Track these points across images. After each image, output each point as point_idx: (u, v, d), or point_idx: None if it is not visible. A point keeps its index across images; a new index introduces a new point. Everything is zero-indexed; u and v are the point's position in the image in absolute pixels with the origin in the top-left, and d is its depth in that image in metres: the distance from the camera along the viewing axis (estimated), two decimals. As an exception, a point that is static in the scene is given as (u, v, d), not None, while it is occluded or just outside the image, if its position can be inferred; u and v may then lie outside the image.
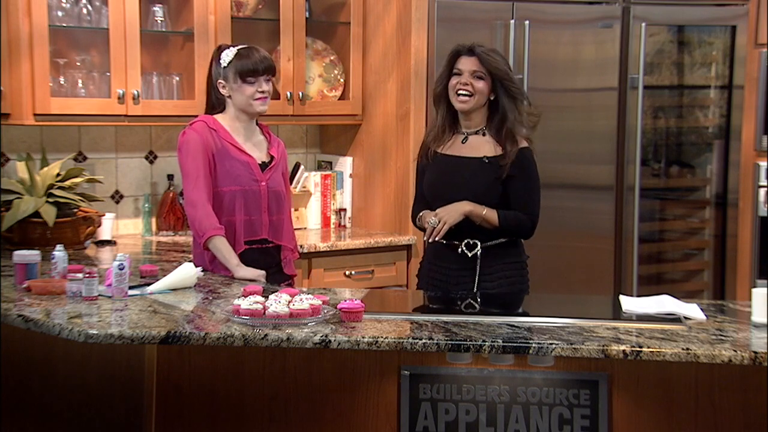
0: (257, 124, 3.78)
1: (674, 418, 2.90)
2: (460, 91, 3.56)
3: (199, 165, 3.58)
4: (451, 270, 3.65)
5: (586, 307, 3.61)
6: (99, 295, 3.14)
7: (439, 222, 3.51)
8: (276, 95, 4.75)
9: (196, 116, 3.72)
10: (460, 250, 3.60)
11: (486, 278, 3.60)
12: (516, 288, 3.66)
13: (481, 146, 3.60)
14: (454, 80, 3.57)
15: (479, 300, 3.47)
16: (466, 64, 3.56)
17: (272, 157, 3.74)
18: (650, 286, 5.15)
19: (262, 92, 3.63)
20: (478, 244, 3.59)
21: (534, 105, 3.79)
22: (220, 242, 3.54)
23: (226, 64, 3.64)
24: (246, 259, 3.60)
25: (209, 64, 3.75)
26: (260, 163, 3.69)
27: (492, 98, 3.58)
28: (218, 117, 3.71)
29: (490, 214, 3.54)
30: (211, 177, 3.60)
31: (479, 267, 3.60)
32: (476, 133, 3.61)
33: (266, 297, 2.96)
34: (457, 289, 3.62)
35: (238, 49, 3.65)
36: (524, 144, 3.58)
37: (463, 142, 3.62)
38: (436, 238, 3.53)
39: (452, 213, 3.53)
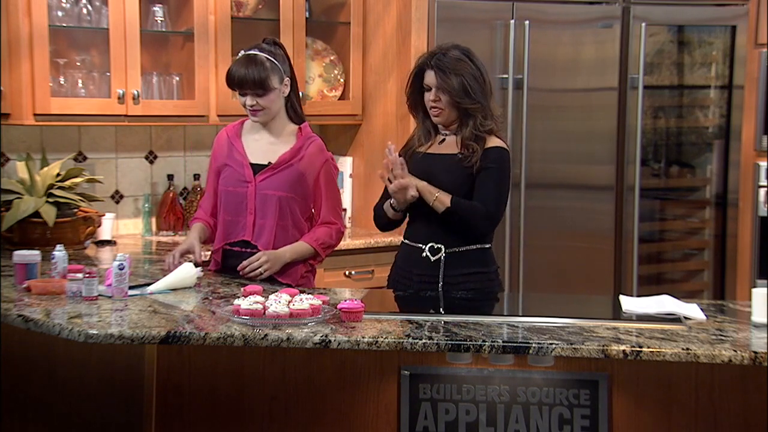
0: (296, 122, 3.69)
1: (674, 418, 2.90)
2: (432, 108, 3.52)
3: (211, 174, 3.78)
4: (414, 274, 3.57)
5: (586, 307, 3.61)
6: (99, 295, 3.14)
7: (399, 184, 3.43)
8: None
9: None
10: (423, 254, 3.53)
11: (450, 287, 3.51)
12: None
13: (456, 145, 3.56)
14: (426, 95, 3.53)
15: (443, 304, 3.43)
16: (430, 78, 3.50)
17: (282, 161, 3.62)
18: (650, 286, 5.15)
19: (250, 106, 3.58)
20: (443, 248, 3.50)
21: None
22: (192, 227, 3.76)
23: None
24: (233, 262, 3.63)
25: None
26: (255, 164, 3.64)
27: None
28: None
29: (443, 197, 3.43)
30: (216, 182, 3.74)
31: (443, 274, 3.51)
32: (454, 134, 3.58)
33: (266, 297, 2.96)
34: (422, 294, 3.53)
35: (243, 54, 3.59)
36: (503, 145, 3.53)
37: (440, 144, 3.59)
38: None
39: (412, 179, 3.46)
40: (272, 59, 3.56)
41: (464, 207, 3.46)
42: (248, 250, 3.63)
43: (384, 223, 3.68)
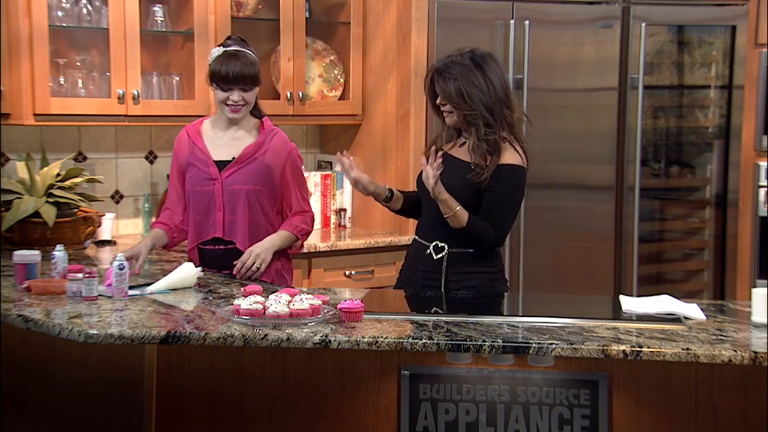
0: (258, 117, 3.73)
1: (674, 418, 2.90)
2: (443, 111, 3.51)
3: (174, 175, 3.77)
4: (418, 270, 3.58)
5: (586, 307, 3.61)
6: (99, 295, 3.14)
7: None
8: (276, 95, 4.76)
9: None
10: (427, 251, 3.53)
11: (452, 285, 3.51)
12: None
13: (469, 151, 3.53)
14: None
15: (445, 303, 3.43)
16: (437, 84, 3.49)
17: (246, 155, 3.64)
18: (650, 286, 5.15)
19: (234, 102, 3.59)
20: (446, 248, 3.50)
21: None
22: (150, 233, 3.75)
23: (210, 62, 3.63)
24: (208, 260, 3.67)
25: None
26: (219, 161, 3.65)
27: None
28: (210, 117, 3.78)
29: (461, 212, 3.40)
30: (179, 183, 3.74)
31: (445, 272, 3.51)
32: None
33: (266, 297, 2.96)
34: (423, 291, 3.54)
35: (225, 51, 3.60)
36: (517, 161, 3.45)
37: (459, 146, 3.58)
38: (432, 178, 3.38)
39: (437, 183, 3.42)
40: (256, 55, 3.64)
41: (476, 229, 3.44)
42: (220, 247, 3.67)
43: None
